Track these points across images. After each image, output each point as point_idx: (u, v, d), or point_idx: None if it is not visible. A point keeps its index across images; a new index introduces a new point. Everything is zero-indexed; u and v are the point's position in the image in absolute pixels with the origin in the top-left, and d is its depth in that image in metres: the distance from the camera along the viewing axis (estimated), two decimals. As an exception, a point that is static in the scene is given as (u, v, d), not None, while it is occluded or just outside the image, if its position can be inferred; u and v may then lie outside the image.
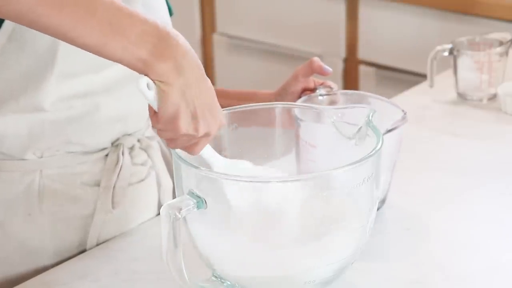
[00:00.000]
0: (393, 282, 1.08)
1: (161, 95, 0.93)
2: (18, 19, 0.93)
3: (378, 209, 1.05)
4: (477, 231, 1.19)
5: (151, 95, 0.93)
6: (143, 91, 0.93)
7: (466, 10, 2.33)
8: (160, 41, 0.93)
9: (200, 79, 0.95)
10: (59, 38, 0.94)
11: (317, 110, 1.12)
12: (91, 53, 1.10)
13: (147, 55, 0.92)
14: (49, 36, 1.07)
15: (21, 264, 1.18)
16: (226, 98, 1.32)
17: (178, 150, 1.00)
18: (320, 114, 1.11)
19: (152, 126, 0.97)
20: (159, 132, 0.97)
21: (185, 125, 0.94)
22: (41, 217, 1.17)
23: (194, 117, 0.94)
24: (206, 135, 0.97)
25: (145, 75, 0.93)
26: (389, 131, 1.14)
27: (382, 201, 1.23)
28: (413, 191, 1.31)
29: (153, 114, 0.95)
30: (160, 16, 1.22)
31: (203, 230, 1.00)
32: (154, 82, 0.93)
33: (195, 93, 0.94)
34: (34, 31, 1.07)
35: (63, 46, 1.10)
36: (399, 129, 1.16)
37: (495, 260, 1.13)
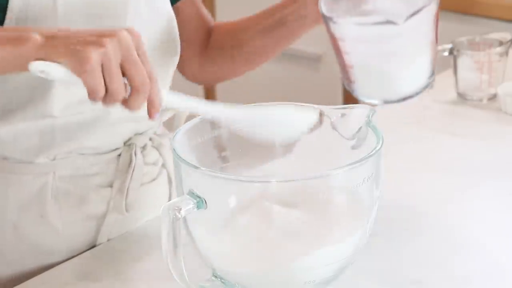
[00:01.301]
0: (393, 282, 1.08)
1: (54, 60, 0.91)
2: None
3: (430, 85, 1.05)
4: (477, 231, 1.19)
5: (52, 66, 0.91)
6: (43, 68, 0.91)
7: (466, 10, 2.33)
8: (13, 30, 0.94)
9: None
10: None
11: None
12: None
13: (11, 48, 0.91)
14: None
15: (34, 264, 1.19)
16: (256, 23, 1.31)
17: (178, 149, 1.00)
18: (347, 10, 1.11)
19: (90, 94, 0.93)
20: (94, 81, 0.91)
21: (92, 51, 0.89)
22: (54, 218, 1.18)
23: (90, 41, 0.90)
24: (119, 41, 0.91)
25: (23, 63, 0.92)
26: (414, 13, 1.08)
27: (431, 76, 1.16)
28: (413, 191, 1.31)
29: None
30: (165, 11, 1.21)
31: (203, 230, 1.00)
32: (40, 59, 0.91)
33: (72, 34, 0.92)
34: None
35: None
36: (429, 7, 1.10)
37: (495, 260, 1.13)
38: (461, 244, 1.16)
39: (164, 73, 1.23)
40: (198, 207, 0.95)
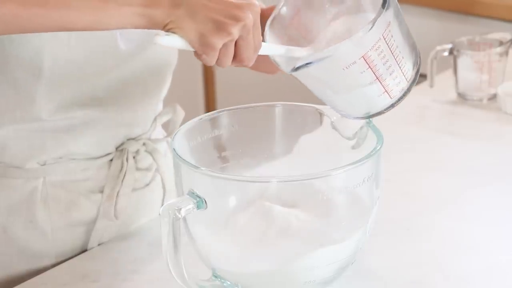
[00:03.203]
0: (393, 282, 1.08)
1: (179, 35, 0.93)
2: (7, 29, 0.93)
3: (415, 82, 1.02)
4: (477, 231, 1.19)
5: (175, 40, 0.94)
6: (168, 44, 0.94)
7: (466, 10, 2.33)
8: None
9: None
10: (56, 31, 0.95)
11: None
12: (79, 61, 1.09)
13: (142, 9, 0.93)
14: (32, 47, 1.06)
15: (23, 267, 1.18)
16: None
17: (178, 149, 1.00)
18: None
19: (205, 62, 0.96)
20: (212, 60, 0.95)
21: (217, 40, 0.93)
22: (43, 223, 1.17)
23: (219, 27, 0.93)
24: (244, 27, 0.94)
25: (152, 27, 0.94)
26: (372, 27, 0.96)
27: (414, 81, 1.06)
28: (413, 191, 1.31)
29: (195, 53, 0.95)
30: None
31: (203, 230, 1.00)
32: (165, 30, 0.93)
33: (204, 6, 0.93)
34: (16, 44, 1.06)
35: (48, 54, 1.08)
36: (384, 16, 0.97)
37: (495, 260, 1.12)
38: (461, 244, 1.16)
39: (159, 82, 1.22)
40: (198, 207, 0.95)
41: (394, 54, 0.99)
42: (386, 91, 1.01)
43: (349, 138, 1.07)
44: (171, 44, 0.94)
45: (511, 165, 1.39)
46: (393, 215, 1.22)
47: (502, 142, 1.47)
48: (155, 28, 0.94)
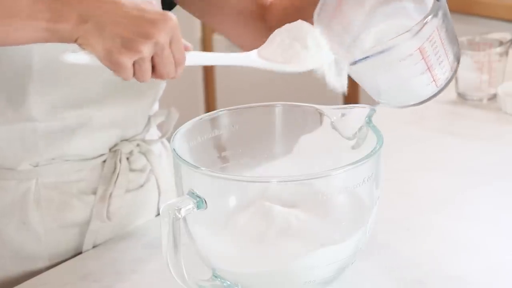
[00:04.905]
0: (393, 282, 1.08)
1: (88, 51, 0.91)
2: None
3: (456, 71, 1.04)
4: (477, 231, 1.19)
5: (83, 57, 0.91)
6: (76, 61, 0.91)
7: (466, 10, 2.33)
8: (53, 1, 0.90)
9: (111, 3, 0.90)
10: None
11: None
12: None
13: (47, 24, 0.90)
14: (22, 46, 1.06)
15: (16, 269, 1.18)
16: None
17: (178, 149, 1.00)
18: None
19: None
20: (128, 76, 0.92)
21: (125, 58, 0.90)
22: (36, 225, 1.16)
23: (127, 44, 0.89)
24: (156, 45, 0.90)
25: (63, 42, 0.91)
26: (431, 19, 0.97)
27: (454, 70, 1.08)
28: (413, 191, 1.31)
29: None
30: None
31: (203, 230, 1.00)
32: (77, 44, 0.91)
33: (113, 21, 0.89)
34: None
35: (38, 53, 1.08)
36: (439, 8, 0.98)
37: (495, 260, 1.12)
38: (461, 244, 1.16)
39: (153, 82, 1.21)
40: (198, 207, 0.95)
41: (444, 44, 1.02)
42: (434, 80, 1.04)
43: (349, 138, 1.07)
44: (79, 61, 0.91)
45: (511, 165, 1.39)
46: (393, 215, 1.22)
47: (502, 142, 1.47)
48: (66, 43, 0.91)
